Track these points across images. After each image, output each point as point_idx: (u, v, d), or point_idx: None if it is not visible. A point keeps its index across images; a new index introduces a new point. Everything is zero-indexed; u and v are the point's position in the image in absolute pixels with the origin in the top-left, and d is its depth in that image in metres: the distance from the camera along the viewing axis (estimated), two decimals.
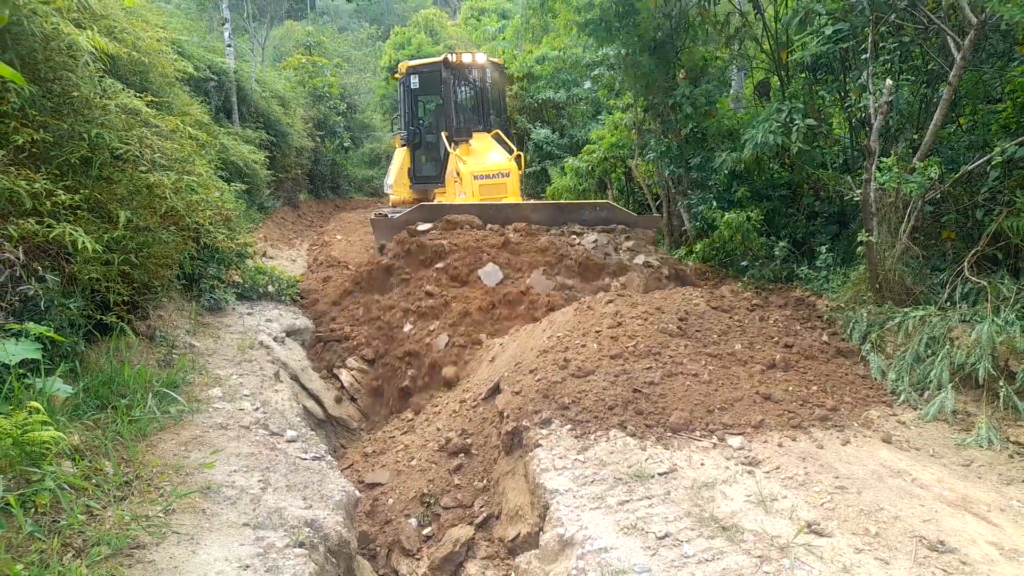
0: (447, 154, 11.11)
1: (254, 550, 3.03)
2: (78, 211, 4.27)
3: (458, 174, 10.46)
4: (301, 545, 3.16)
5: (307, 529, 3.31)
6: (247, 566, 2.90)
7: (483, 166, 10.51)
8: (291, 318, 7.78)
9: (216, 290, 6.95)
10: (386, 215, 10.58)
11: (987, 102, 7.10)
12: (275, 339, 6.79)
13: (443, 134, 11.23)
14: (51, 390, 3.52)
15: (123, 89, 5.19)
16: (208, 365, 5.41)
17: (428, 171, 12.13)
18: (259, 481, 3.65)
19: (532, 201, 11.09)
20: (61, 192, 4.06)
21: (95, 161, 4.58)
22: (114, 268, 4.47)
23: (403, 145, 12.83)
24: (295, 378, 6.42)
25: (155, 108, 5.41)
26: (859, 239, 6.33)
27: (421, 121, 12.57)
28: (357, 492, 4.14)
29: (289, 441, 4.35)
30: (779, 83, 9.05)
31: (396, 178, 12.86)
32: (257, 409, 4.71)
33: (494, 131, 11.86)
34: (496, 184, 10.42)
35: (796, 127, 7.51)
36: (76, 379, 3.98)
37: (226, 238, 6.42)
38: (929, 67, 7.26)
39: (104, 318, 4.53)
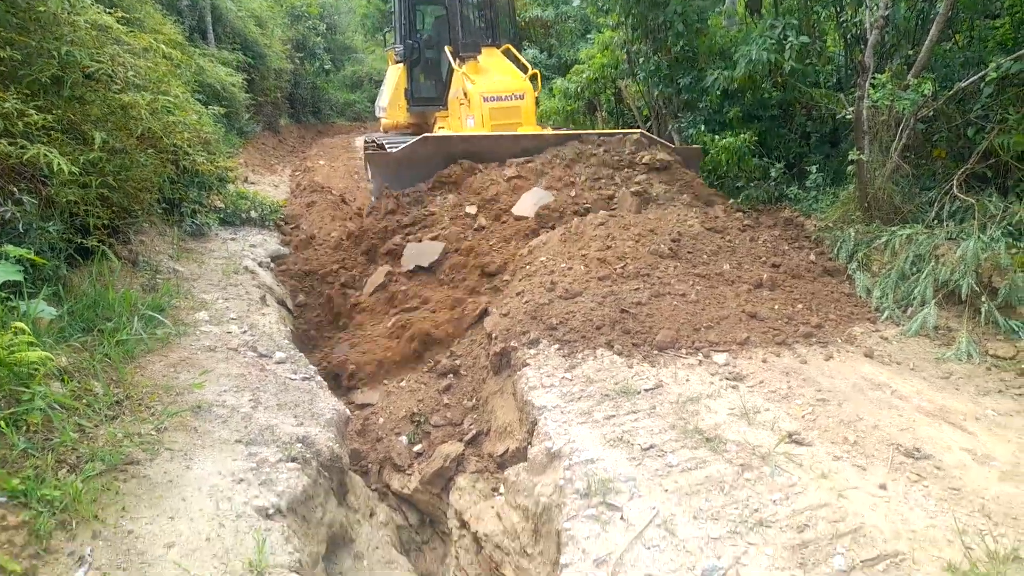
0: (451, 72, 9.70)
1: (247, 465, 3.08)
2: (52, 132, 4.13)
3: (465, 95, 9.01)
4: (294, 460, 3.22)
5: (299, 445, 3.37)
6: (241, 479, 2.96)
7: (494, 86, 8.96)
8: (276, 244, 7.71)
9: (198, 215, 6.84)
10: (382, 145, 9.40)
11: (985, 17, 6.94)
12: (260, 264, 6.74)
13: (447, 49, 9.70)
14: (35, 312, 3.49)
15: (92, 4, 4.95)
16: (193, 290, 5.37)
17: (427, 91, 10.75)
18: (250, 400, 3.68)
19: (552, 131, 9.42)
20: (33, 112, 3.92)
21: (66, 80, 4.41)
22: (92, 191, 4.37)
23: (398, 62, 11.46)
24: (282, 303, 6.41)
25: (126, 25, 5.18)
26: (850, 157, 6.29)
27: (420, 34, 11.03)
28: (347, 411, 4.20)
29: (278, 363, 4.38)
30: None
31: (391, 99, 11.57)
32: (245, 332, 4.72)
33: (505, 46, 10.26)
34: (509, 107, 8.86)
35: (790, 44, 7.34)
36: (60, 303, 3.94)
37: (206, 161, 6.27)
38: None
39: (85, 242, 4.45)
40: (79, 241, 4.42)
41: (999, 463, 3.30)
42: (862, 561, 2.65)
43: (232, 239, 7.18)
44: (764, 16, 8.78)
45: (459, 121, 9.36)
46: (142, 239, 5.68)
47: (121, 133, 4.62)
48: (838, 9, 7.92)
